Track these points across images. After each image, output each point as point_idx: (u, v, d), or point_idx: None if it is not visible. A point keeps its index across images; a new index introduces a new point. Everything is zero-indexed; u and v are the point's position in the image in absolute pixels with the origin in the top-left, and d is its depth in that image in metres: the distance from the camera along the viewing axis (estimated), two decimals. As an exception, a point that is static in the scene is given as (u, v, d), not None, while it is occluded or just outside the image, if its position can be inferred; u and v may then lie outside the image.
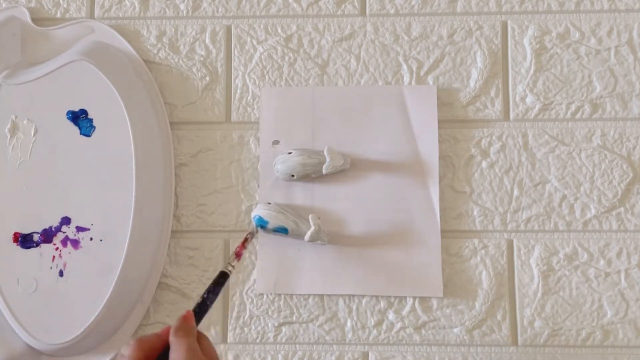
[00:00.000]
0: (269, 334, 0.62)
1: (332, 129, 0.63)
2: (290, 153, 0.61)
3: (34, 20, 0.65)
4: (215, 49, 0.65)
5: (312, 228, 0.58)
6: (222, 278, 0.52)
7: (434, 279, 0.61)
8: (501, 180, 0.62)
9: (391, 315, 0.61)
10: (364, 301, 0.61)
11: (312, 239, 0.58)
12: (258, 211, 0.60)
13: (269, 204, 0.60)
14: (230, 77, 0.65)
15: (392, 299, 0.61)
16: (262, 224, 0.60)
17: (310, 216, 0.59)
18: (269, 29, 0.65)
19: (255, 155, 0.64)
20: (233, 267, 0.53)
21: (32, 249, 0.60)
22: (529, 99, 0.63)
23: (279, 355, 0.61)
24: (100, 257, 0.59)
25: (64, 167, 0.61)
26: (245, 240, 0.57)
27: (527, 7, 0.64)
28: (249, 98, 0.64)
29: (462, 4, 0.64)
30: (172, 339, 0.44)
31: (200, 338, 0.46)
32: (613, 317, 0.60)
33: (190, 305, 0.62)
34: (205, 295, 0.50)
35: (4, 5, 0.66)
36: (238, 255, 0.55)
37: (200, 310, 0.49)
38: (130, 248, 0.58)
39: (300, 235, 0.59)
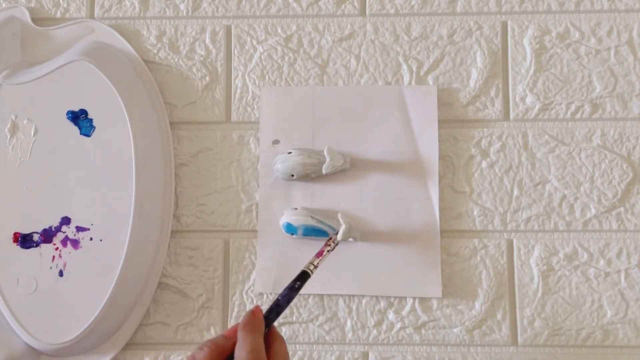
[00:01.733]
0: (269, 334, 0.61)
1: (332, 129, 0.63)
2: (290, 153, 0.61)
3: (34, 20, 0.65)
4: (215, 49, 0.65)
5: (343, 226, 0.58)
6: (302, 277, 0.52)
7: (434, 279, 0.61)
8: (501, 180, 0.62)
9: (391, 315, 0.61)
10: (364, 301, 0.61)
11: (345, 237, 0.59)
12: (287, 218, 0.60)
13: (296, 209, 0.60)
14: (230, 77, 0.65)
15: (392, 299, 0.61)
16: (291, 231, 0.60)
17: (339, 215, 0.59)
18: (269, 29, 0.65)
19: (255, 155, 0.64)
20: (315, 266, 0.53)
21: (32, 249, 0.60)
22: (529, 99, 0.63)
23: (279, 355, 0.61)
24: (100, 257, 0.59)
25: (64, 167, 0.61)
26: (330, 239, 0.58)
27: (527, 7, 0.64)
28: (249, 98, 0.64)
29: (462, 4, 0.64)
30: (240, 334, 0.43)
31: (273, 339, 0.45)
32: (613, 317, 0.60)
33: (190, 305, 0.62)
34: (280, 296, 0.50)
35: (4, 5, 0.66)
36: (320, 254, 0.55)
37: (274, 309, 0.49)
38: (130, 248, 0.58)
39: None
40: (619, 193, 0.62)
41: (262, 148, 0.63)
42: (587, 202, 0.62)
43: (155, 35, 0.66)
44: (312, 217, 0.60)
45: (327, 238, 0.58)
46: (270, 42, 0.65)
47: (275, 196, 0.62)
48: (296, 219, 0.60)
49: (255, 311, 0.46)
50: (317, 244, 0.60)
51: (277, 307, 0.49)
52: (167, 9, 0.66)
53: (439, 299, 0.61)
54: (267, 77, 0.64)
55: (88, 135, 0.61)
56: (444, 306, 0.61)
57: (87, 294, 0.58)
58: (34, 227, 0.60)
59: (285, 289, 0.51)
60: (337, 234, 0.58)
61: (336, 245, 0.58)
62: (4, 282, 0.59)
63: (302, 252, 0.61)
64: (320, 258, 0.55)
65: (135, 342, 0.62)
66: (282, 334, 0.61)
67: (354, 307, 0.61)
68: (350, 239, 0.60)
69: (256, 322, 0.45)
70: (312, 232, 0.60)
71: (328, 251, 0.56)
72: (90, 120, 0.61)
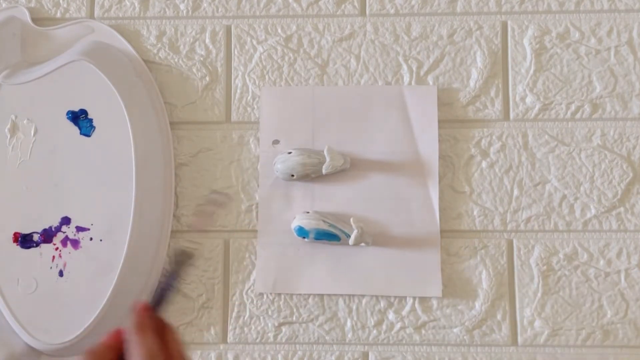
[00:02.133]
0: (269, 334, 0.61)
1: (332, 129, 0.63)
2: (290, 153, 0.61)
3: (34, 20, 0.65)
4: (215, 49, 0.65)
5: (355, 231, 0.59)
6: (181, 257, 0.47)
7: (434, 279, 0.61)
8: (501, 180, 0.62)
9: (391, 315, 0.61)
10: (364, 301, 0.61)
11: (356, 242, 0.59)
12: (298, 221, 0.60)
13: (308, 212, 0.61)
14: (230, 77, 0.65)
15: (392, 299, 0.61)
16: (303, 235, 0.60)
17: (351, 220, 0.59)
18: (269, 29, 0.65)
19: (255, 155, 0.64)
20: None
21: (32, 249, 0.60)
22: (529, 99, 0.63)
23: (279, 355, 0.61)
24: (100, 257, 0.59)
25: (64, 167, 0.61)
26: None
27: (527, 7, 0.64)
28: (249, 98, 0.64)
29: (462, 4, 0.64)
30: (131, 339, 0.39)
31: (164, 331, 0.41)
32: (613, 317, 0.60)
33: (190, 305, 0.62)
34: (161, 280, 0.45)
35: (4, 5, 0.66)
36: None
37: (158, 297, 0.44)
38: (130, 248, 0.58)
39: (344, 240, 0.60)
40: (619, 193, 0.62)
41: (262, 148, 0.63)
42: (587, 202, 0.62)
43: (155, 35, 0.66)
44: (324, 220, 0.60)
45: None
46: (270, 42, 0.65)
47: (275, 196, 0.62)
48: (308, 223, 0.60)
49: (139, 309, 0.41)
50: (327, 247, 0.60)
51: (164, 296, 0.44)
52: (167, 9, 0.66)
53: (439, 299, 0.61)
54: (267, 77, 0.64)
55: (88, 135, 0.61)
56: (444, 306, 0.61)
57: (87, 294, 0.58)
58: (34, 227, 0.60)
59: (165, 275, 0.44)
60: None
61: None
62: (4, 282, 0.59)
63: (302, 252, 0.61)
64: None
65: (135, 342, 0.62)
66: (282, 334, 0.61)
67: (354, 307, 0.61)
68: (362, 244, 0.60)
69: (145, 322, 0.41)
70: (324, 236, 0.60)
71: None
72: (90, 120, 0.61)
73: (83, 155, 0.60)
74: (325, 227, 0.60)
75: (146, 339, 0.39)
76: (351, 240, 0.59)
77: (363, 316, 0.61)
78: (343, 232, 0.60)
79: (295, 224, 0.61)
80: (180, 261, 0.46)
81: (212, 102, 0.64)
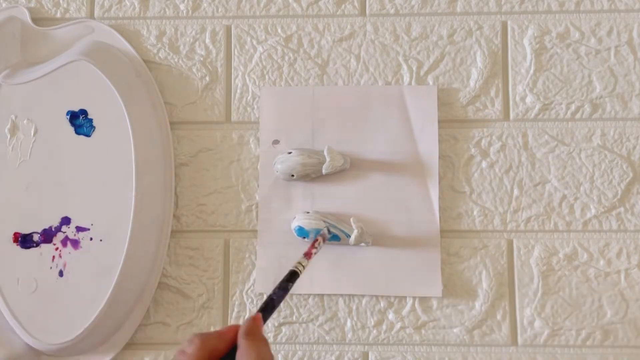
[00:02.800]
0: (269, 334, 0.61)
1: (332, 129, 0.63)
2: (290, 153, 0.61)
3: (34, 20, 0.65)
4: (215, 49, 0.65)
5: (355, 231, 0.59)
6: (292, 277, 0.50)
7: (434, 279, 0.61)
8: (501, 180, 0.62)
9: (391, 315, 0.61)
10: (364, 301, 0.61)
11: (357, 242, 0.59)
12: (298, 221, 0.60)
13: (308, 212, 0.60)
14: (230, 77, 0.65)
15: (392, 299, 0.61)
16: (303, 235, 0.60)
17: (351, 219, 0.59)
18: (269, 29, 0.65)
19: (255, 155, 0.64)
20: (303, 266, 0.51)
21: (32, 249, 0.60)
22: (529, 99, 0.63)
23: (279, 355, 0.61)
24: (100, 257, 0.59)
25: (64, 167, 0.61)
26: (316, 241, 0.55)
27: (527, 7, 0.64)
28: (249, 98, 0.64)
29: (462, 4, 0.64)
30: (242, 342, 0.42)
31: (264, 343, 0.44)
32: (613, 317, 0.60)
33: (190, 305, 0.62)
34: (273, 295, 0.48)
35: (4, 5, 0.66)
36: (308, 255, 0.53)
37: (268, 310, 0.47)
38: (130, 248, 0.58)
39: (344, 240, 0.60)
40: (619, 193, 0.62)
41: (262, 148, 0.63)
42: (587, 202, 0.62)
43: (155, 35, 0.66)
44: (324, 221, 0.60)
45: (314, 240, 0.56)
46: (270, 42, 0.65)
47: (275, 196, 0.62)
48: (308, 223, 0.60)
49: (256, 318, 0.45)
50: (327, 247, 0.60)
51: (272, 308, 0.48)
52: (167, 9, 0.66)
53: (439, 299, 0.61)
54: (267, 77, 0.64)
55: (88, 135, 0.61)
56: (444, 306, 0.61)
57: (87, 294, 0.58)
58: (34, 227, 0.60)
59: (278, 289, 0.49)
60: (326, 231, 0.57)
61: (321, 247, 0.55)
62: (4, 282, 0.59)
63: (302, 252, 0.61)
64: (309, 260, 0.53)
65: (135, 342, 0.62)
66: (282, 334, 0.62)
67: (354, 307, 0.61)
68: (362, 244, 0.60)
69: (258, 330, 0.44)
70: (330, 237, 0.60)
71: (315, 253, 0.54)
72: (90, 120, 0.61)
73: (83, 155, 0.60)
74: (323, 226, 0.60)
75: (260, 345, 0.42)
76: (351, 240, 0.59)
77: (363, 316, 0.61)
78: (343, 232, 0.60)
79: (295, 224, 0.61)
80: (290, 279, 0.50)
81: (212, 102, 0.64)
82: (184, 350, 0.41)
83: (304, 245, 0.61)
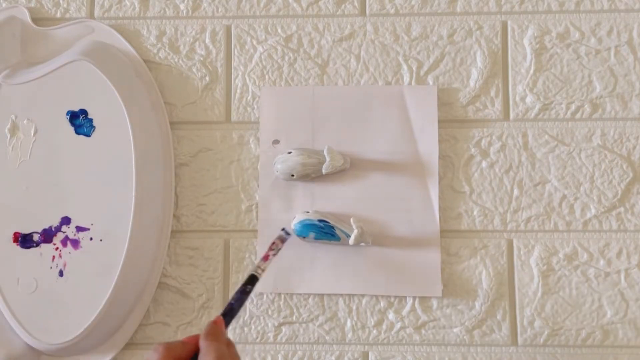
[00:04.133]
0: (269, 334, 0.62)
1: (332, 129, 0.63)
2: (290, 153, 0.61)
3: (34, 20, 0.65)
4: (215, 49, 0.65)
5: (356, 231, 0.59)
6: (251, 280, 0.51)
7: (434, 278, 0.61)
8: (501, 180, 0.62)
9: (391, 315, 0.61)
10: (363, 301, 0.61)
11: (356, 242, 0.59)
12: (297, 221, 0.60)
13: (307, 212, 0.60)
14: (230, 77, 0.65)
15: (392, 299, 0.61)
16: (303, 234, 0.60)
17: (351, 220, 0.59)
18: (269, 29, 0.65)
19: (255, 155, 0.64)
20: (262, 270, 0.52)
21: (32, 249, 0.60)
22: (529, 99, 0.63)
23: (279, 355, 0.61)
24: (100, 257, 0.59)
25: (64, 167, 0.61)
26: (273, 244, 0.54)
27: (527, 7, 0.64)
28: (249, 98, 0.64)
29: (462, 4, 0.64)
30: (202, 343, 0.44)
31: (228, 344, 0.45)
32: (613, 317, 0.60)
33: (190, 305, 0.62)
34: (232, 300, 0.49)
35: (4, 5, 0.66)
36: (265, 258, 0.53)
37: (229, 314, 0.48)
38: (130, 248, 0.58)
39: (344, 240, 0.60)
40: (619, 193, 0.62)
41: (262, 148, 0.63)
42: (587, 202, 0.62)
43: (155, 35, 0.66)
44: (320, 220, 0.60)
45: (271, 242, 0.54)
46: (270, 42, 0.65)
47: (275, 196, 0.62)
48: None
49: (216, 321, 0.47)
50: (327, 247, 0.60)
51: (232, 312, 0.49)
52: (167, 9, 0.66)
53: (439, 299, 0.61)
54: (267, 77, 0.64)
55: (88, 135, 0.61)
56: (444, 306, 0.61)
57: (87, 294, 0.58)
58: (34, 227, 0.60)
59: (236, 293, 0.50)
60: (284, 234, 0.56)
61: (279, 250, 0.54)
62: (4, 282, 0.59)
63: (302, 252, 0.61)
64: (266, 262, 0.53)
65: (135, 342, 0.62)
66: (282, 334, 0.62)
67: (354, 307, 0.61)
68: (362, 244, 0.60)
69: (219, 332, 0.45)
70: (324, 236, 0.60)
71: (273, 255, 0.53)
72: (90, 120, 0.61)
73: (83, 155, 0.60)
74: (325, 226, 0.60)
75: (219, 346, 0.44)
76: (351, 240, 0.59)
77: (363, 316, 0.61)
78: (343, 232, 0.60)
79: (294, 223, 0.61)
80: (250, 282, 0.51)
81: (212, 102, 0.64)
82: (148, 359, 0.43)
83: (304, 245, 0.61)
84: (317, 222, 0.60)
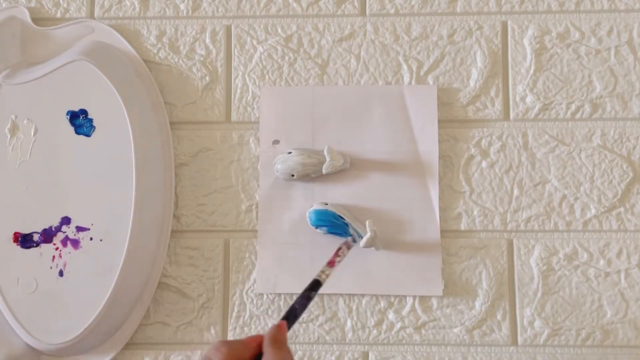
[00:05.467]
0: (269, 334, 0.61)
1: (332, 129, 0.63)
2: (290, 153, 0.61)
3: (34, 20, 0.65)
4: (215, 49, 0.65)
5: (369, 234, 0.58)
6: (315, 286, 0.50)
7: (434, 278, 0.61)
8: (501, 180, 0.62)
9: (391, 315, 0.61)
10: (364, 301, 0.61)
11: (367, 245, 0.59)
12: (314, 210, 0.60)
13: (326, 204, 0.60)
14: (230, 77, 0.65)
15: (392, 299, 0.61)
16: (317, 225, 0.60)
17: (367, 222, 0.59)
18: (269, 29, 0.65)
19: (255, 155, 0.64)
20: (327, 275, 0.51)
21: (32, 249, 0.60)
22: (529, 99, 0.63)
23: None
24: (100, 257, 0.59)
25: (64, 167, 0.61)
26: (339, 249, 0.54)
27: (527, 7, 0.64)
28: (249, 98, 0.64)
29: (462, 4, 0.64)
30: (268, 349, 0.43)
31: (288, 352, 0.45)
32: (613, 317, 0.60)
33: (190, 305, 0.62)
34: (296, 304, 0.48)
35: (4, 5, 0.66)
36: (331, 263, 0.53)
37: (292, 319, 0.48)
38: (130, 248, 0.58)
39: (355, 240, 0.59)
40: (619, 193, 0.62)
41: (262, 148, 0.63)
42: (587, 202, 0.62)
43: (155, 35, 0.66)
44: (340, 216, 0.60)
45: (337, 248, 0.55)
46: (270, 42, 0.65)
47: (275, 196, 0.62)
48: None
49: (281, 325, 0.45)
50: (327, 247, 0.60)
51: (295, 317, 0.48)
52: (167, 9, 0.66)
53: (439, 299, 0.61)
54: (267, 77, 0.64)
55: (88, 135, 0.61)
56: (444, 306, 0.61)
57: (87, 294, 0.58)
58: (34, 227, 0.60)
59: (301, 298, 0.49)
60: (350, 240, 0.56)
61: (345, 256, 0.55)
62: (4, 282, 0.59)
63: (302, 252, 0.61)
64: (332, 268, 0.52)
65: (135, 342, 0.62)
66: (282, 334, 0.61)
67: (354, 307, 0.61)
68: (372, 248, 0.59)
69: (283, 339, 0.44)
70: (336, 231, 0.60)
71: (339, 261, 0.54)
72: (90, 120, 0.61)
73: (83, 155, 0.60)
74: (340, 222, 0.59)
75: (284, 354, 0.43)
76: (362, 243, 0.58)
77: (363, 316, 0.61)
78: (356, 231, 0.59)
79: (310, 212, 0.60)
80: (313, 288, 0.50)
81: (212, 102, 0.64)
82: (210, 358, 0.42)
83: (304, 244, 0.61)
84: (332, 218, 0.59)
